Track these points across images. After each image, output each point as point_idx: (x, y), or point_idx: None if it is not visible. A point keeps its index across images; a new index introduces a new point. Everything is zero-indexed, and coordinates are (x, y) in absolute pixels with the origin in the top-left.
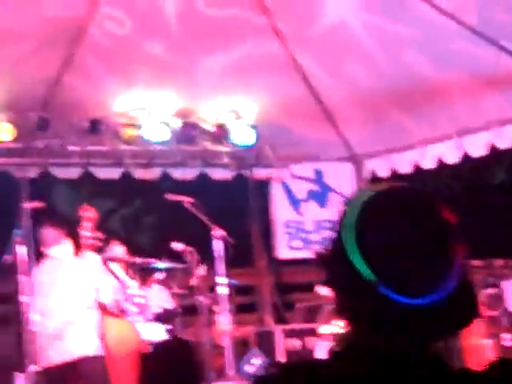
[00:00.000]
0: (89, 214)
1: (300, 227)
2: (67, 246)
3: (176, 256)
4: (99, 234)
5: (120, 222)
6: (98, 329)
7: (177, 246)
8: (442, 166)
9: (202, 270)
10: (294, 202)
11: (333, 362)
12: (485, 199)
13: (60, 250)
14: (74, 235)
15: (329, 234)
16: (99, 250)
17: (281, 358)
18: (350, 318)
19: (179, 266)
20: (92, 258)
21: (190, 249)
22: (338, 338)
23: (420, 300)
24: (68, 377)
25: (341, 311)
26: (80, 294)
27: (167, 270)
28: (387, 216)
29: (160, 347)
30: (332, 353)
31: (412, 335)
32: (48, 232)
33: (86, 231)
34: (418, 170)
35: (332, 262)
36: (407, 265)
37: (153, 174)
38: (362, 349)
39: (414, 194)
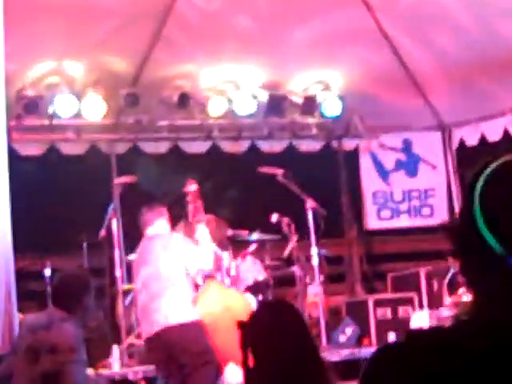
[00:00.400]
0: (192, 188)
1: (389, 197)
2: (163, 223)
3: (268, 228)
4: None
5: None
6: (192, 298)
7: (273, 217)
8: None
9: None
10: (383, 173)
11: (460, 331)
12: None
13: (156, 228)
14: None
15: (417, 203)
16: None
17: (373, 327)
18: (479, 291)
19: (271, 237)
20: (201, 230)
21: (286, 219)
22: (464, 307)
23: None
24: (162, 345)
25: (469, 283)
26: (176, 265)
27: (259, 242)
28: None
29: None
30: (458, 321)
31: None
32: (145, 215)
33: (192, 204)
34: (509, 138)
35: (460, 234)
36: None
37: (241, 146)
38: (489, 321)
39: None
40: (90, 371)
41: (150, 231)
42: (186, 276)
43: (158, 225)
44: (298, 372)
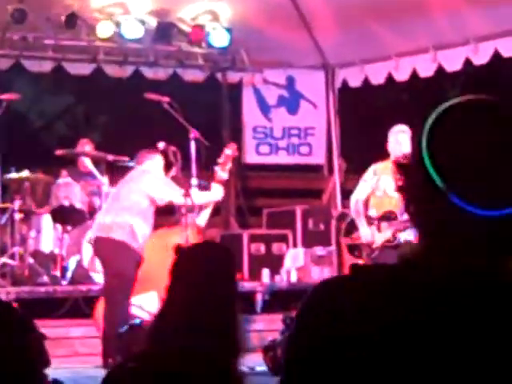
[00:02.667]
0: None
1: (268, 133)
2: (151, 164)
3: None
4: None
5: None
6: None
7: (159, 144)
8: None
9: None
10: (264, 108)
11: (406, 269)
12: None
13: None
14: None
15: (296, 141)
16: None
17: (246, 262)
18: (422, 229)
19: None
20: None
21: (172, 148)
22: (408, 247)
23: (496, 212)
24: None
25: (413, 221)
26: (137, 193)
27: None
28: (464, 126)
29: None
30: (404, 260)
31: (483, 249)
32: (139, 154)
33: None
34: (392, 82)
35: (408, 170)
36: (483, 175)
37: (125, 71)
38: (433, 262)
39: (493, 105)
40: None
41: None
42: (144, 208)
43: (146, 164)
44: (210, 298)
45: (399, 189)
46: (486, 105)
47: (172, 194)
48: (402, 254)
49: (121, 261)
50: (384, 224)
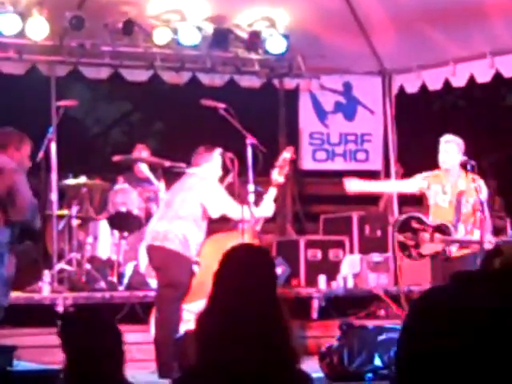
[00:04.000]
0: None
1: (325, 139)
2: (208, 168)
3: None
4: None
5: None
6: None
7: (217, 151)
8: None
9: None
10: (321, 114)
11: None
12: None
13: (200, 170)
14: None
15: (353, 147)
16: None
17: (303, 268)
18: None
19: None
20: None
21: (229, 154)
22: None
23: None
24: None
25: None
26: (191, 203)
27: None
28: None
29: None
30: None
31: None
32: (197, 155)
33: None
34: (449, 88)
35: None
36: None
37: (182, 78)
38: None
39: None
40: (18, 294)
41: (193, 170)
42: (198, 217)
43: (204, 167)
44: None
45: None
46: None
47: (227, 207)
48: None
49: (174, 271)
50: (437, 235)
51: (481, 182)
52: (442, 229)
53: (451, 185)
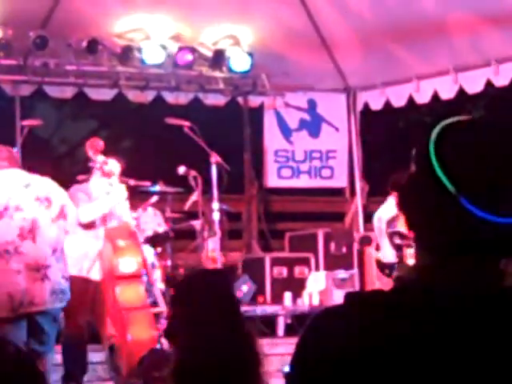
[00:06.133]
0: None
1: (290, 156)
2: None
3: (170, 180)
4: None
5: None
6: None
7: (180, 169)
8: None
9: (195, 195)
10: (286, 131)
11: (404, 293)
12: None
13: None
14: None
15: (318, 164)
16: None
17: (268, 285)
18: (426, 243)
19: (174, 190)
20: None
21: (193, 172)
22: (405, 269)
23: (507, 220)
24: None
25: (419, 236)
26: None
27: (161, 194)
28: (474, 132)
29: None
30: (401, 283)
31: (494, 264)
32: None
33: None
34: (413, 104)
35: (411, 187)
36: (493, 183)
37: (147, 97)
38: (438, 284)
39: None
40: None
41: None
42: None
43: None
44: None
45: (400, 207)
46: (487, 120)
47: None
48: (399, 277)
49: None
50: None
51: None
52: None
53: None
